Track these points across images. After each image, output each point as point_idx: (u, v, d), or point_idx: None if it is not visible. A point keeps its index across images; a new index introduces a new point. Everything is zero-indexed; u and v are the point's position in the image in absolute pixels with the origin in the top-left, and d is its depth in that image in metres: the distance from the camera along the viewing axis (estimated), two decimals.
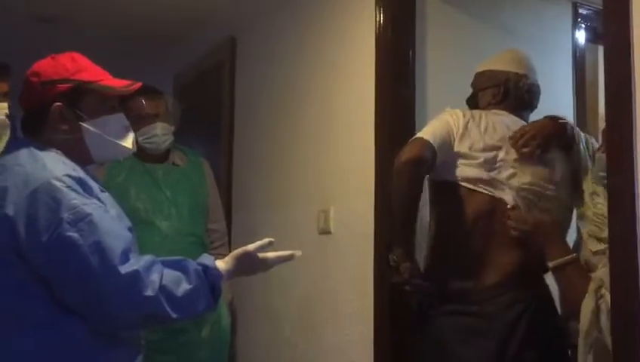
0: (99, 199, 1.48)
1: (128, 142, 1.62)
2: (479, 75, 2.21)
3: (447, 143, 2.00)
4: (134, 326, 1.51)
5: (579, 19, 2.87)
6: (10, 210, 1.39)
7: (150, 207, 2.62)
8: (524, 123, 2.10)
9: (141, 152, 2.66)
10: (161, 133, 2.64)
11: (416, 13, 2.38)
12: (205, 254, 1.61)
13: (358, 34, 2.46)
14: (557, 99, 2.31)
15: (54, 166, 1.45)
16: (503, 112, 2.11)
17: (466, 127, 2.02)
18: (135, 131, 2.60)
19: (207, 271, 1.51)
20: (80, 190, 1.43)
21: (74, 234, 1.37)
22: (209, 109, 3.58)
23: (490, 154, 2.00)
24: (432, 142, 1.97)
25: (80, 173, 1.49)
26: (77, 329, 1.42)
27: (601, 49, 2.88)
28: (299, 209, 2.74)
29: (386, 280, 2.22)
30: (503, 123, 2.06)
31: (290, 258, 1.67)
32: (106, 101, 1.58)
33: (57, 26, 3.60)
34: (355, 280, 2.38)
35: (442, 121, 2.04)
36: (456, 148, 2.00)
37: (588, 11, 2.89)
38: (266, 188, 3.02)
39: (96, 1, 3.37)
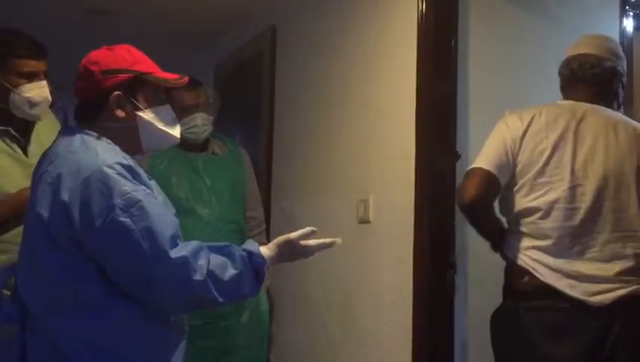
0: (147, 186, 1.52)
1: (177, 131, 1.67)
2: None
3: (507, 162, 1.94)
4: (183, 309, 1.56)
5: (627, 7, 2.80)
6: (65, 196, 1.44)
7: (191, 195, 2.66)
8: (596, 107, 1.99)
9: (182, 142, 2.69)
10: (201, 123, 2.68)
11: (459, 3, 2.35)
12: (250, 240, 1.64)
13: (400, 23, 2.44)
14: None
15: (106, 154, 1.50)
16: (566, 102, 2.03)
17: (525, 133, 1.95)
18: None
19: (252, 257, 1.55)
20: (130, 177, 1.48)
21: (126, 220, 1.42)
22: (250, 99, 3.60)
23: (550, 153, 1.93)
24: (490, 169, 1.92)
25: (130, 161, 1.53)
26: (128, 311, 1.47)
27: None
28: (338, 198, 2.75)
29: (425, 269, 2.22)
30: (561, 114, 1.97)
31: (330, 245, 1.69)
32: (158, 92, 1.63)
33: (105, 19, 3.67)
34: (394, 270, 2.38)
35: (498, 137, 1.98)
36: (519, 159, 1.95)
37: None
38: (305, 177, 3.03)
39: None
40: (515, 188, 1.95)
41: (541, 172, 1.92)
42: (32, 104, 2.00)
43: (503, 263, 2.32)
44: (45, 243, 1.46)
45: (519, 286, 1.93)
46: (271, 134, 3.36)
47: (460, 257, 2.28)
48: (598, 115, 1.98)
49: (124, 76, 1.56)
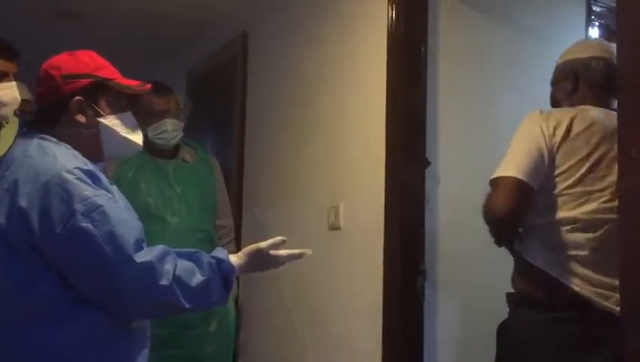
0: (108, 191, 1.51)
1: (139, 138, 1.66)
2: (555, 71, 2.06)
3: (542, 169, 1.78)
4: (148, 314, 1.54)
5: (592, 17, 2.86)
6: (23, 202, 1.41)
7: (160, 202, 2.65)
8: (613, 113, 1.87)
9: (151, 148, 2.69)
10: (171, 128, 2.67)
11: (428, 11, 2.37)
12: (219, 248, 1.63)
13: (370, 29, 2.46)
14: None
15: (65, 159, 1.48)
16: (592, 107, 1.90)
17: (563, 138, 1.80)
18: (146, 127, 2.65)
19: (221, 265, 1.54)
20: (90, 182, 1.45)
21: (87, 225, 1.40)
22: (221, 105, 3.59)
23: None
24: (525, 179, 1.75)
25: (90, 165, 1.51)
26: (91, 319, 1.45)
27: (614, 46, 2.86)
28: (309, 204, 2.75)
29: (395, 276, 2.23)
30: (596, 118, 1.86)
31: (300, 256, 1.69)
32: (120, 99, 1.61)
33: (71, 22, 3.63)
34: (365, 276, 2.38)
35: (531, 140, 1.81)
36: (556, 164, 1.80)
37: (601, 8, 2.87)
38: (276, 183, 3.03)
39: None
40: (549, 196, 1.81)
41: (579, 181, 1.80)
42: (0, 104, 1.98)
43: (474, 269, 2.35)
44: (3, 251, 1.43)
45: (544, 296, 1.80)
46: (242, 140, 3.34)
47: (429, 264, 2.29)
48: None
49: (85, 81, 1.55)
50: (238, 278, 2.82)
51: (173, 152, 2.75)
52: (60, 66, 1.56)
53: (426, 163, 2.31)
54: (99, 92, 1.57)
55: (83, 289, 1.43)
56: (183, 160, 2.76)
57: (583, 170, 1.82)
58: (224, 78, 3.56)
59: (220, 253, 1.58)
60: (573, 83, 1.98)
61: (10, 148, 1.56)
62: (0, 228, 1.43)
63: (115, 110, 1.60)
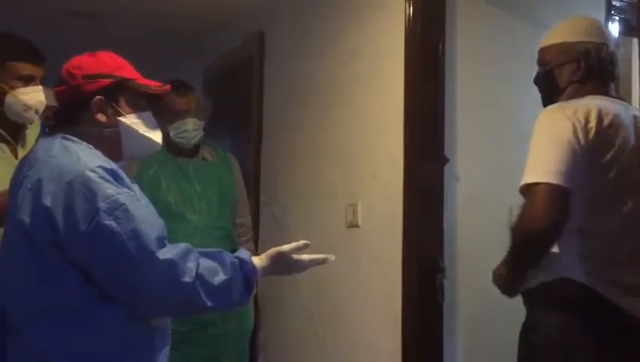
0: (130, 189, 1.51)
1: (158, 137, 1.67)
2: (550, 49, 1.89)
3: (579, 171, 1.63)
4: (170, 312, 1.54)
5: (612, 12, 2.83)
6: (47, 201, 1.43)
7: (181, 200, 2.67)
8: (626, 105, 1.82)
9: (172, 147, 2.72)
10: (192, 128, 2.69)
11: (446, 7, 2.36)
12: (242, 249, 1.63)
13: (388, 27, 2.45)
14: None
15: (87, 158, 1.49)
16: (602, 97, 1.79)
17: (595, 135, 1.66)
18: (167, 126, 2.68)
19: (243, 265, 1.54)
20: (113, 180, 1.47)
21: (111, 223, 1.41)
22: (238, 103, 3.60)
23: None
24: (562, 183, 1.59)
25: (112, 164, 1.52)
26: (112, 317, 1.45)
27: (635, 41, 2.83)
28: (327, 203, 2.75)
29: (413, 273, 2.23)
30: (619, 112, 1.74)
31: (323, 261, 1.68)
32: (139, 99, 1.63)
33: (92, 22, 3.65)
34: (383, 274, 2.38)
35: (563, 138, 1.65)
36: (590, 164, 1.65)
37: (621, 3, 2.84)
38: (294, 181, 3.03)
39: None
40: (587, 194, 1.68)
41: (612, 182, 1.70)
42: (26, 107, 2.02)
43: (493, 267, 2.33)
44: (26, 249, 1.45)
45: (575, 301, 1.69)
46: (260, 138, 3.35)
47: (448, 261, 2.28)
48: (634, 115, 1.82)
49: (106, 81, 1.56)
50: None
51: (193, 151, 2.77)
52: (82, 66, 1.58)
53: (444, 160, 2.30)
54: (119, 92, 1.58)
55: (106, 287, 1.44)
56: (203, 158, 2.78)
57: (612, 172, 1.71)
58: (241, 77, 3.57)
59: (243, 253, 1.58)
60: (584, 69, 1.83)
61: (32, 147, 1.58)
62: (24, 226, 1.44)
63: (135, 109, 1.61)
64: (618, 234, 1.73)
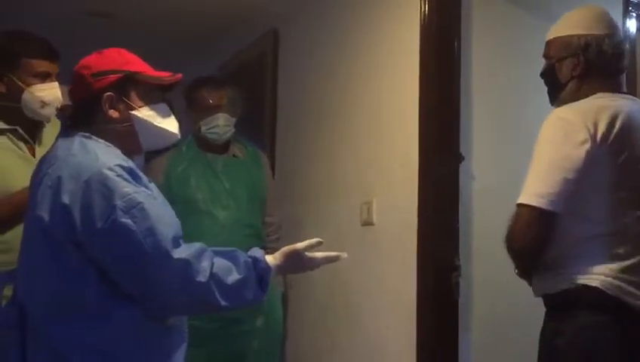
0: (147, 188, 1.52)
1: (174, 127, 1.66)
2: (553, 42, 1.83)
3: (571, 187, 1.59)
4: (185, 311, 1.55)
5: (630, 8, 2.80)
6: (66, 199, 1.44)
7: (209, 197, 2.65)
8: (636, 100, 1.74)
9: (202, 143, 2.72)
10: (223, 123, 2.66)
11: (462, 5, 2.35)
12: (255, 248, 1.63)
13: (403, 24, 2.44)
14: None
15: (105, 156, 1.50)
16: (611, 94, 1.72)
17: (596, 139, 1.61)
18: (198, 121, 2.66)
19: (257, 264, 1.54)
20: (130, 179, 1.48)
21: (128, 221, 1.42)
22: (252, 101, 3.60)
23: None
24: (548, 207, 1.57)
25: (130, 163, 1.53)
26: (129, 315, 1.46)
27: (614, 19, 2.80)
28: (342, 201, 2.75)
29: (429, 271, 2.22)
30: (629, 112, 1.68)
31: (336, 259, 1.69)
32: (151, 91, 1.63)
33: (107, 21, 3.67)
34: (398, 272, 2.37)
35: (555, 153, 1.62)
36: (590, 171, 1.61)
37: None
38: (308, 179, 3.03)
39: None
40: (587, 206, 1.65)
41: (622, 186, 1.66)
42: (43, 104, 2.03)
43: (509, 265, 2.31)
44: (46, 246, 1.46)
45: (598, 307, 1.66)
46: (273, 136, 3.36)
47: (464, 260, 2.27)
48: None
49: (114, 77, 1.57)
50: (285, 276, 2.82)
51: (224, 147, 2.74)
52: (90, 65, 1.59)
53: (459, 158, 2.29)
54: (129, 86, 1.59)
55: (123, 284, 1.46)
56: (234, 155, 2.76)
57: (621, 175, 1.67)
58: (255, 75, 3.57)
59: (256, 252, 1.58)
60: (584, 64, 1.76)
61: (53, 146, 1.59)
62: (43, 224, 1.46)
63: (148, 102, 1.61)
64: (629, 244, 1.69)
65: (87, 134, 1.56)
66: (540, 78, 2.51)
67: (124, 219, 1.42)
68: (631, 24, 2.81)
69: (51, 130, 2.10)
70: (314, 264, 1.67)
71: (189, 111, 2.75)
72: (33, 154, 2.05)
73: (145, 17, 3.66)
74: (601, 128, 1.64)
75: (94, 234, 1.43)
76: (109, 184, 1.44)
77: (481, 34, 2.41)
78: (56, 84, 2.05)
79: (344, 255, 1.69)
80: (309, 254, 1.65)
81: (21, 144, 2.05)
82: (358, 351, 2.59)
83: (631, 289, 1.68)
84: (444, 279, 2.21)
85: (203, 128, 2.66)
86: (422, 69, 2.31)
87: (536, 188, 1.62)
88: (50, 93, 2.03)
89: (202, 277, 1.44)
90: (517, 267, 1.80)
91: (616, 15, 2.75)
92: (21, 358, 1.50)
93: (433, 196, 2.24)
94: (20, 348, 1.50)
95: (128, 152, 1.59)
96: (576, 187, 1.62)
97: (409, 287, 2.28)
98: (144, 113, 1.60)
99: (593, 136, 1.63)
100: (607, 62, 1.75)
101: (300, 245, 1.64)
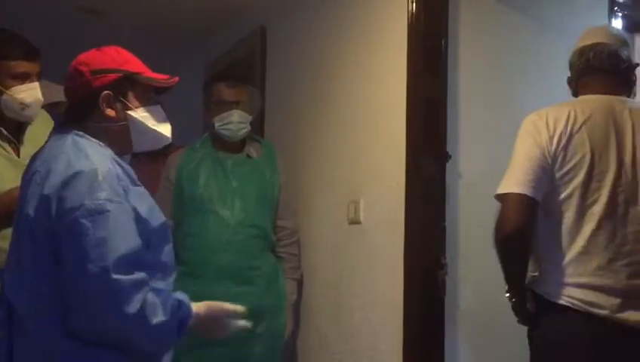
0: (133, 194, 1.50)
1: (167, 130, 1.66)
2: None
3: (544, 177, 1.79)
4: (96, 334, 1.44)
5: (615, 8, 2.82)
6: (47, 190, 1.45)
7: (216, 195, 2.61)
8: (623, 100, 1.87)
9: (217, 141, 2.69)
10: (237, 120, 2.62)
11: (449, 3, 2.36)
12: (180, 292, 1.57)
13: (390, 22, 2.45)
14: None
15: (95, 157, 1.50)
16: (591, 96, 1.89)
17: (561, 137, 1.80)
18: (213, 117, 2.64)
19: (181, 307, 1.51)
20: (114, 185, 1.47)
21: (86, 223, 1.40)
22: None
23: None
24: (529, 194, 1.77)
25: (117, 168, 1.52)
26: None
27: (638, 37, 2.83)
28: (329, 199, 2.75)
29: (415, 270, 2.23)
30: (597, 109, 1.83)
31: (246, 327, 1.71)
32: (148, 93, 1.63)
33: (96, 18, 3.66)
34: (385, 270, 2.38)
35: (527, 148, 1.82)
36: (557, 167, 1.80)
37: None
38: (295, 177, 3.03)
39: None
40: (554, 199, 1.82)
41: (585, 180, 1.80)
42: (23, 105, 2.01)
43: (495, 263, 2.33)
44: (30, 244, 1.46)
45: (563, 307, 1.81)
46: (261, 134, 3.35)
47: (450, 258, 2.28)
48: (630, 108, 1.86)
49: (113, 76, 1.57)
50: (301, 283, 2.79)
51: (239, 147, 2.70)
52: (89, 62, 1.58)
53: (446, 156, 2.30)
54: (127, 86, 1.59)
55: (62, 287, 1.42)
56: (248, 155, 2.71)
57: (584, 170, 1.80)
58: (243, 72, 3.56)
59: (182, 296, 1.55)
60: (572, 73, 1.98)
61: (45, 143, 1.59)
62: (29, 220, 1.46)
63: (144, 103, 1.61)
64: (591, 238, 1.80)
65: (80, 133, 1.55)
66: (527, 76, 2.55)
67: (83, 220, 1.40)
68: (617, 24, 2.84)
69: (42, 127, 2.07)
70: (227, 329, 1.66)
71: (206, 106, 2.73)
72: (18, 155, 2.03)
73: (133, 15, 3.65)
74: (559, 131, 1.81)
75: (60, 227, 1.42)
76: (88, 184, 1.43)
77: (469, 32, 2.41)
78: (36, 84, 2.03)
79: (248, 325, 1.71)
80: (225, 320, 1.64)
81: (5, 145, 2.03)
82: (345, 349, 2.59)
83: (599, 299, 1.77)
84: (430, 277, 2.22)
85: (217, 124, 2.62)
86: (409, 67, 2.31)
87: (516, 178, 1.81)
88: (30, 95, 2.00)
89: (129, 309, 1.39)
90: (503, 256, 1.86)
91: (602, 15, 2.79)
92: (8, 356, 1.49)
93: (420, 195, 2.25)
94: (7, 346, 1.49)
95: (120, 151, 1.59)
96: (547, 179, 1.80)
97: (396, 285, 2.29)
98: (140, 114, 1.60)
99: (551, 138, 1.81)
100: (596, 67, 1.91)
101: (227, 305, 1.65)
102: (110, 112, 1.57)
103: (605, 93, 1.90)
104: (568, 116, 1.83)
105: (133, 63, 1.61)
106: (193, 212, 2.61)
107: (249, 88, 2.75)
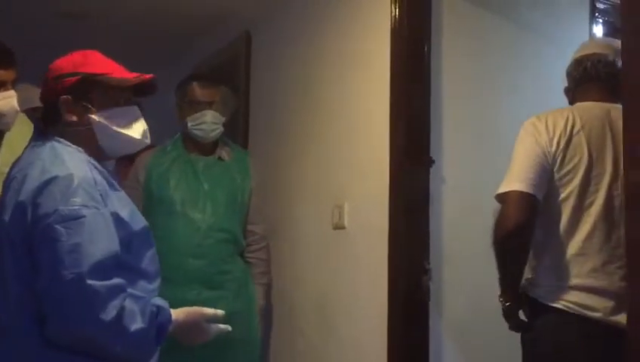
0: (104, 198, 1.48)
1: (136, 132, 1.61)
2: None
3: (544, 178, 1.82)
4: (72, 341, 1.41)
5: (596, 14, 2.85)
6: (22, 197, 1.43)
7: (187, 198, 2.58)
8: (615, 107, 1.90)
9: (189, 143, 2.66)
10: (210, 120, 2.59)
11: (432, 8, 2.37)
12: (158, 298, 1.55)
13: (373, 29, 2.45)
14: None
15: (71, 162, 1.48)
16: (588, 103, 1.94)
17: (560, 140, 1.83)
18: (186, 117, 2.61)
19: (160, 314, 1.49)
20: (90, 191, 1.45)
21: (60, 229, 1.38)
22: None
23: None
24: (530, 191, 1.80)
25: (95, 173, 1.50)
26: None
27: (619, 43, 2.85)
28: (313, 204, 2.75)
29: (399, 274, 2.23)
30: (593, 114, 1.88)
31: (225, 331, 1.68)
32: (116, 93, 1.58)
33: (81, 23, 3.63)
34: (369, 275, 2.38)
35: (527, 150, 1.85)
36: (556, 169, 1.84)
37: (605, 5, 2.86)
38: (280, 182, 3.02)
39: None
40: (553, 202, 1.85)
41: (581, 184, 1.83)
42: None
43: (479, 268, 2.33)
44: (11, 250, 1.44)
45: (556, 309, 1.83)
46: (246, 140, 3.35)
47: (434, 263, 2.29)
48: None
49: (71, 79, 1.55)
50: (269, 288, 2.78)
51: (210, 149, 2.67)
52: (54, 68, 1.58)
53: (430, 162, 2.30)
54: (89, 88, 1.55)
55: (37, 291, 1.39)
56: (219, 158, 2.68)
57: (581, 172, 1.84)
58: (227, 78, 3.55)
59: (162, 301, 1.53)
60: (569, 82, 2.03)
61: (25, 149, 1.57)
62: (4, 225, 1.44)
63: (109, 104, 1.57)
64: (585, 236, 1.83)
65: (59, 139, 1.54)
66: (509, 80, 2.57)
67: (57, 226, 1.38)
68: (597, 30, 2.86)
69: (22, 131, 2.04)
70: (207, 334, 1.64)
71: (178, 106, 2.69)
72: None
73: (118, 19, 3.63)
74: (558, 132, 1.85)
75: (33, 233, 1.40)
76: (63, 189, 1.41)
77: (451, 38, 2.42)
78: (11, 92, 1.99)
79: (228, 328, 1.68)
80: (206, 324, 1.62)
81: None
82: (331, 353, 2.59)
83: (592, 302, 1.79)
84: (414, 282, 2.22)
85: (190, 124, 2.59)
86: (392, 72, 2.32)
87: (516, 178, 1.83)
88: (5, 104, 1.97)
89: (105, 316, 1.36)
90: (503, 254, 1.86)
91: (583, 21, 2.81)
92: None
93: (404, 199, 2.25)
94: None
95: (94, 157, 1.56)
96: (547, 178, 1.82)
97: (380, 290, 2.29)
98: (103, 117, 1.55)
99: (551, 139, 1.85)
100: (592, 75, 1.97)
101: (207, 310, 1.62)
102: (71, 117, 1.55)
103: (601, 100, 1.94)
104: (567, 119, 1.87)
105: (96, 65, 1.57)
106: (163, 214, 2.55)
107: (222, 89, 2.71)
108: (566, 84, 2.07)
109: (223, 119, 2.65)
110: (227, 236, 2.61)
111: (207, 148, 2.67)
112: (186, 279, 2.49)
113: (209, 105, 2.61)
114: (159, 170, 2.61)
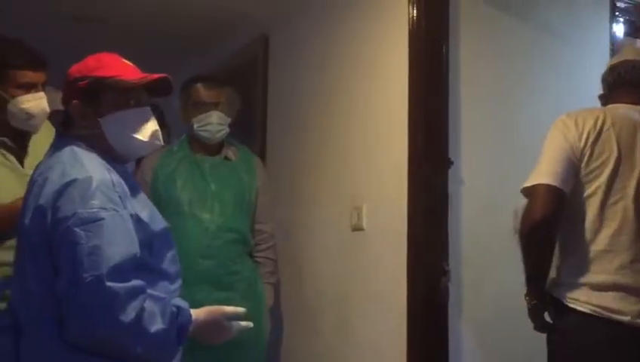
0: (123, 200, 1.49)
1: (145, 135, 1.60)
2: None
3: (572, 173, 1.84)
4: (91, 344, 1.42)
5: (616, 13, 2.82)
6: (42, 200, 1.45)
7: (194, 199, 2.59)
8: None
9: (195, 143, 2.67)
10: (216, 121, 2.60)
11: (449, 10, 2.36)
12: (178, 298, 1.56)
13: (391, 30, 2.45)
14: (595, 95, 2.27)
15: (90, 166, 1.50)
16: (619, 105, 1.97)
17: (589, 137, 1.85)
18: (191, 118, 2.61)
19: (180, 314, 1.49)
20: (108, 193, 1.46)
21: (79, 232, 1.39)
22: (242, 107, 3.60)
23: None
24: (557, 185, 1.81)
25: (114, 176, 1.52)
26: None
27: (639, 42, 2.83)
28: (332, 206, 2.75)
29: (418, 276, 2.23)
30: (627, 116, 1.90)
31: (246, 328, 1.66)
32: (126, 95, 1.59)
33: (95, 26, 3.67)
34: (388, 276, 2.38)
35: (556, 145, 1.87)
36: (583, 165, 1.85)
37: (626, 4, 2.84)
38: (298, 185, 3.03)
39: (132, 1, 3.42)
40: (581, 199, 1.86)
41: (607, 181, 1.85)
42: (29, 115, 2.00)
43: (498, 270, 2.33)
44: (32, 253, 1.46)
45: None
46: (264, 142, 3.36)
47: (453, 264, 2.28)
48: None
49: (82, 83, 1.57)
50: (277, 287, 2.78)
51: (216, 149, 2.68)
52: (70, 73, 1.60)
53: (448, 163, 2.30)
54: (98, 92, 1.56)
55: (58, 294, 1.41)
56: (225, 158, 2.68)
57: (610, 169, 1.84)
58: (245, 80, 3.57)
59: (182, 302, 1.54)
60: (604, 88, 2.06)
61: (47, 153, 1.60)
62: (24, 228, 1.47)
63: (119, 107, 1.57)
64: (610, 234, 1.84)
65: (79, 143, 1.56)
66: (528, 81, 2.55)
67: (76, 229, 1.39)
68: (618, 29, 2.84)
69: (46, 135, 2.07)
70: (228, 333, 1.62)
71: (182, 107, 2.70)
72: (22, 165, 2.03)
73: (134, 22, 3.66)
74: (587, 129, 1.86)
75: (54, 236, 1.41)
76: (82, 192, 1.43)
77: (470, 38, 2.41)
78: (42, 94, 2.02)
79: (250, 325, 1.66)
80: (228, 323, 1.61)
81: (10, 156, 2.03)
82: (349, 355, 2.59)
83: (619, 305, 1.78)
84: (433, 284, 2.21)
85: (195, 125, 2.60)
86: (411, 73, 2.31)
87: (544, 172, 1.85)
88: (35, 105, 2.00)
89: (125, 317, 1.37)
90: (528, 246, 1.87)
91: (603, 20, 2.79)
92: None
93: (423, 201, 2.25)
94: (14, 352, 1.48)
95: (111, 160, 1.57)
96: (574, 173, 1.84)
97: (399, 292, 2.28)
98: (111, 120, 1.56)
99: (580, 135, 1.86)
100: (625, 81, 2.00)
101: (227, 308, 1.62)
102: (82, 121, 1.57)
103: (633, 103, 1.97)
104: (597, 117, 1.89)
105: (108, 68, 1.58)
106: (171, 215, 2.49)
107: (227, 90, 2.72)
108: (601, 91, 2.09)
109: (229, 120, 2.67)
110: (236, 236, 2.61)
111: (213, 148, 2.68)
112: (196, 280, 2.47)
113: (215, 106, 2.62)
114: (166, 171, 2.62)
